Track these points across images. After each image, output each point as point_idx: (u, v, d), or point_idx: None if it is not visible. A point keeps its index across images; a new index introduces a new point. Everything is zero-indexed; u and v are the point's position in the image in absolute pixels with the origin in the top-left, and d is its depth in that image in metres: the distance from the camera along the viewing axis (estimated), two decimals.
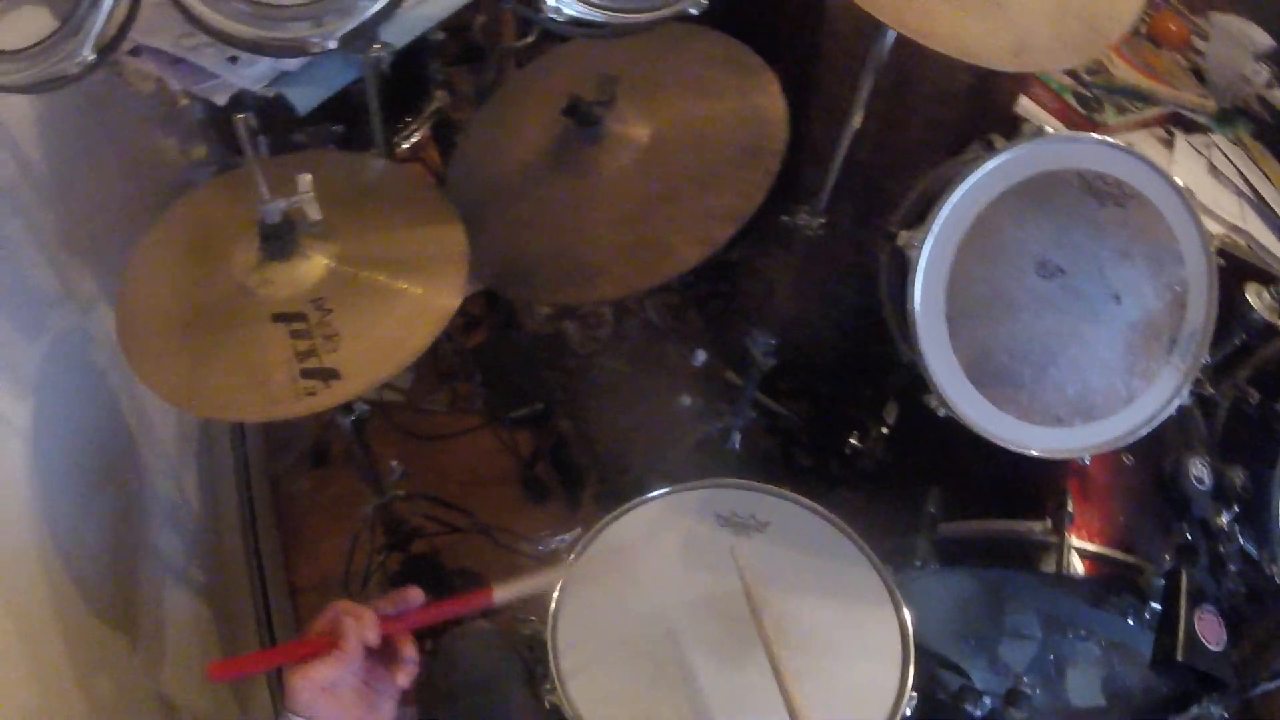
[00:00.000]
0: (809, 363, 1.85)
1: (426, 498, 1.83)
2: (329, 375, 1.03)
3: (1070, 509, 1.28)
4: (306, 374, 1.03)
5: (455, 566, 1.91)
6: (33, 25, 0.98)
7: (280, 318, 1.07)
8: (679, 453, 1.79)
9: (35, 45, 0.97)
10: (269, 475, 2.12)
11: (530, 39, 1.85)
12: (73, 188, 1.52)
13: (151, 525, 1.59)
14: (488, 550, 1.93)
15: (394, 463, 1.71)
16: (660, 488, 1.26)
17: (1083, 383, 1.20)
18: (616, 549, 1.21)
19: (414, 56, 1.59)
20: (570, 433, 2.09)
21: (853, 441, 1.76)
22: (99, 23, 0.96)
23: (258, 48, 1.01)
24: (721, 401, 1.84)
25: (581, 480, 2.04)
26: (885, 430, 1.70)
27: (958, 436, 1.21)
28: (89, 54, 0.97)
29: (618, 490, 1.62)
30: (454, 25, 1.70)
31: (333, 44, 0.99)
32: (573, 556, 1.21)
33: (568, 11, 1.04)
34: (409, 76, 1.62)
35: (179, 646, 1.54)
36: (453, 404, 2.19)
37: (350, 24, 0.99)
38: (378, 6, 0.99)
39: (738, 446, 1.81)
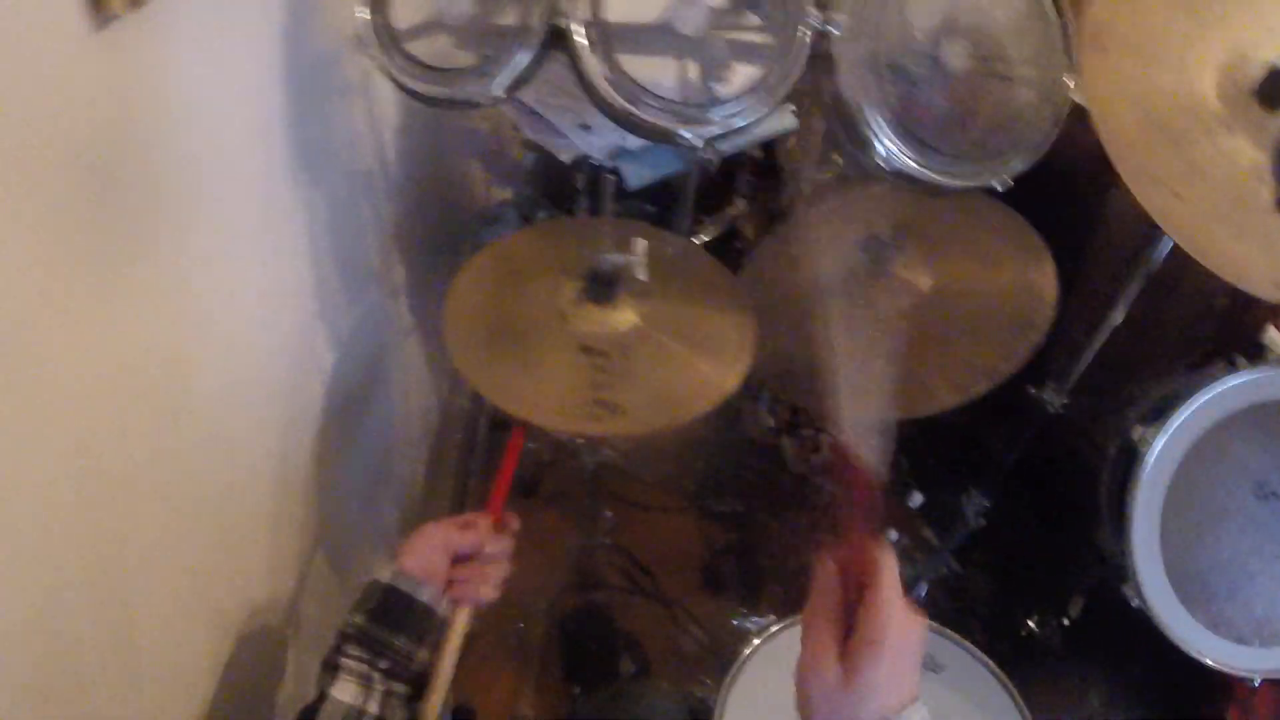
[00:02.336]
0: (1008, 533, 1.89)
1: (624, 553, 1.95)
2: (615, 409, 1.18)
3: None
4: (598, 402, 1.19)
5: (622, 626, 2.03)
6: (444, 53, 1.16)
7: (587, 350, 1.23)
8: None
9: (454, 70, 1.15)
10: (480, 492, 2.30)
11: (828, 173, 2.01)
12: (407, 190, 1.76)
13: (382, 491, 1.78)
14: (659, 622, 2.03)
15: (608, 513, 1.85)
16: None
17: (1270, 606, 1.24)
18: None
19: (728, 164, 1.79)
20: (763, 539, 2.18)
21: (1030, 625, 1.79)
22: (516, 69, 1.14)
23: (632, 125, 1.19)
24: (918, 551, 1.90)
25: (760, 584, 2.13)
26: (1066, 621, 1.72)
27: (1133, 637, 1.26)
28: (500, 92, 1.15)
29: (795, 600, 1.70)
30: (765, 144, 1.89)
31: (699, 142, 1.16)
32: (759, 639, 1.32)
33: (892, 161, 1.19)
34: (719, 180, 1.81)
35: None
36: (664, 481, 2.32)
37: (715, 131, 1.16)
38: (743, 124, 1.16)
39: (923, 596, 1.86)
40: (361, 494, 1.63)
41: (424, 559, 1.01)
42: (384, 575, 0.98)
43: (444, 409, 2.22)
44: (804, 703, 0.74)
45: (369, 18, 1.12)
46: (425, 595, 0.98)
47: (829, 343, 0.90)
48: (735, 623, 1.85)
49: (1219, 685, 1.37)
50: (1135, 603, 1.25)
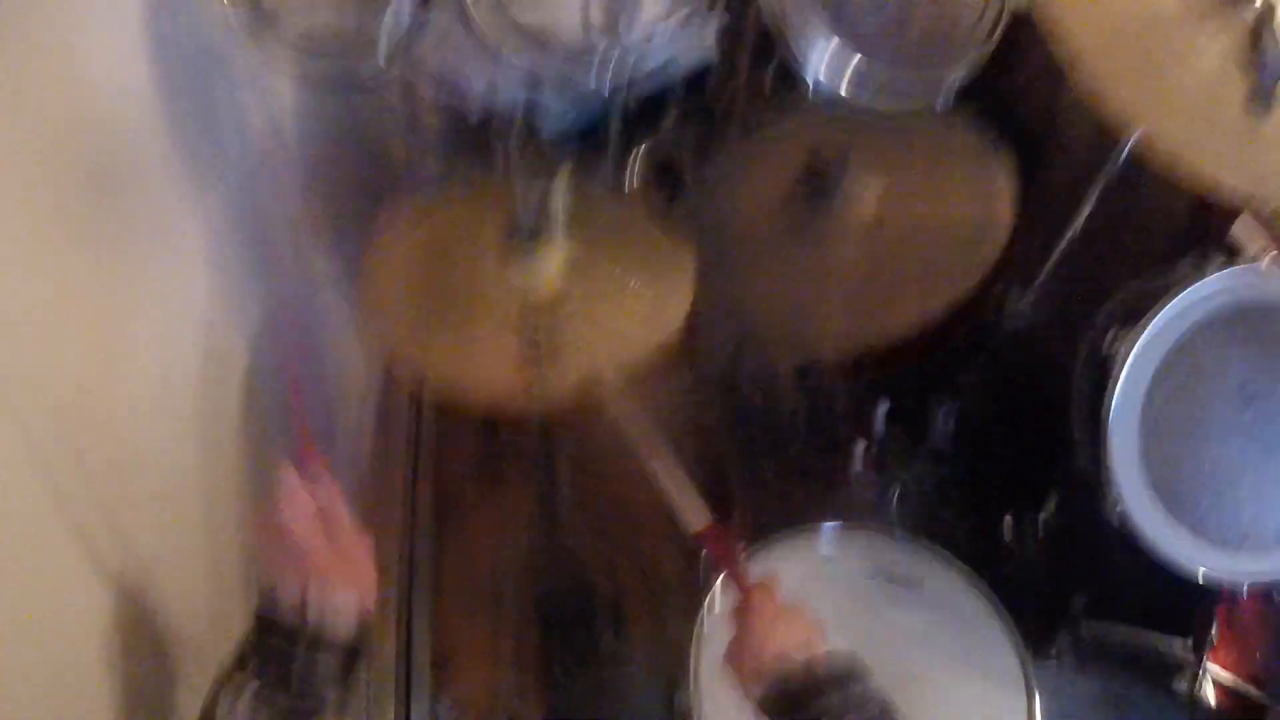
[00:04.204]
0: (981, 442, 1.85)
1: (591, 518, 1.88)
2: (550, 356, 1.12)
3: (1214, 635, 1.30)
4: (531, 359, 1.12)
5: (603, 598, 1.95)
6: (318, 22, 1.08)
7: (515, 307, 1.17)
8: (841, 502, 1.84)
9: (336, 40, 1.07)
10: (434, 473, 2.22)
11: (760, 101, 1.93)
12: (316, 174, 1.67)
13: None
14: (636, 588, 1.96)
15: (566, 478, 1.78)
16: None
17: (1257, 512, 1.20)
18: (774, 570, 1.26)
19: (652, 101, 1.69)
20: (732, 468, 2.12)
21: (1007, 523, 1.76)
22: (396, 34, 1.06)
23: (534, 76, 1.10)
24: (891, 463, 1.88)
25: (731, 510, 2.07)
26: (1041, 526, 1.69)
27: (1114, 543, 1.23)
28: (381, 61, 1.07)
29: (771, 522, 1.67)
30: (691, 77, 1.80)
31: (605, 86, 1.07)
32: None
33: (828, 81, 1.10)
34: (643, 121, 1.71)
35: None
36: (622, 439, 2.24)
37: (625, 74, 1.07)
38: (653, 64, 1.07)
39: (896, 505, 1.85)
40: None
41: (335, 585, 0.85)
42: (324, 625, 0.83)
43: (381, 400, 2.13)
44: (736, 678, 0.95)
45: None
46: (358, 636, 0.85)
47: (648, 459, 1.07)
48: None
49: (1205, 589, 1.34)
50: (1117, 519, 1.21)
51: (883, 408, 1.89)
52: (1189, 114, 1.08)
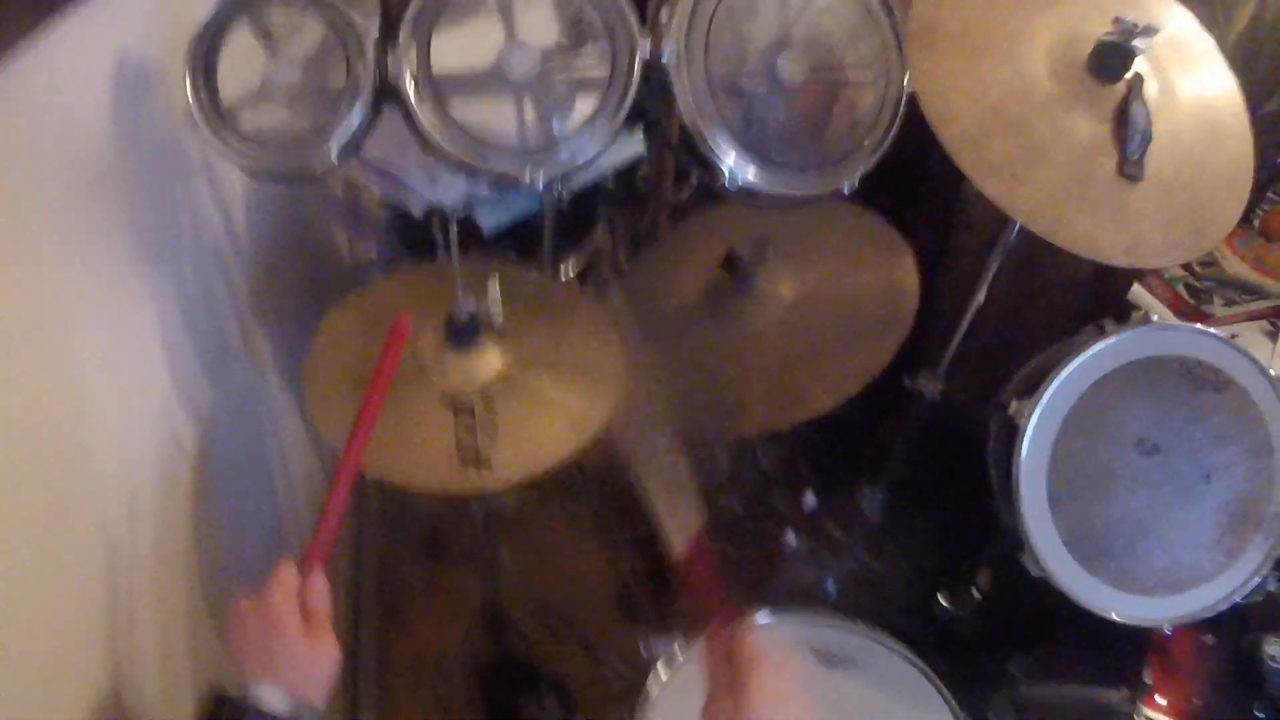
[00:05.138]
0: (910, 520, 1.92)
1: (535, 597, 1.92)
2: (483, 463, 1.16)
3: (1148, 680, 1.34)
4: (464, 459, 1.16)
5: (546, 674, 1.98)
6: (273, 120, 1.12)
7: (450, 403, 1.21)
8: (777, 589, 1.86)
9: (288, 139, 1.12)
10: (380, 554, 2.24)
11: (686, 195, 2.03)
12: (262, 259, 1.70)
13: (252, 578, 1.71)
14: (582, 664, 2.00)
15: (504, 555, 1.82)
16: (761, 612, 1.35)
17: (1171, 556, 1.28)
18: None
19: (585, 194, 1.78)
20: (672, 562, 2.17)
21: (942, 602, 1.82)
22: (349, 131, 1.11)
23: (474, 174, 1.17)
24: (823, 550, 1.92)
25: (675, 609, 2.11)
26: (977, 595, 1.75)
27: (1046, 605, 1.29)
28: (334, 155, 1.11)
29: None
30: (620, 173, 1.89)
31: (541, 182, 1.14)
32: (664, 672, 1.30)
33: (738, 180, 1.19)
34: (578, 214, 1.80)
35: None
36: (561, 517, 2.29)
37: (560, 169, 1.15)
38: (587, 159, 1.15)
39: (832, 592, 1.87)
40: (255, 577, 1.57)
41: (307, 668, 0.86)
42: (275, 704, 0.84)
43: (329, 479, 2.15)
44: None
45: (194, 95, 1.07)
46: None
47: (636, 469, 0.99)
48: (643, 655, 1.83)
49: (1136, 636, 1.40)
50: (1035, 572, 1.28)
51: (809, 501, 1.97)
52: (1066, 190, 1.18)
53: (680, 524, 0.94)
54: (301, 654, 0.87)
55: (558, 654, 2.00)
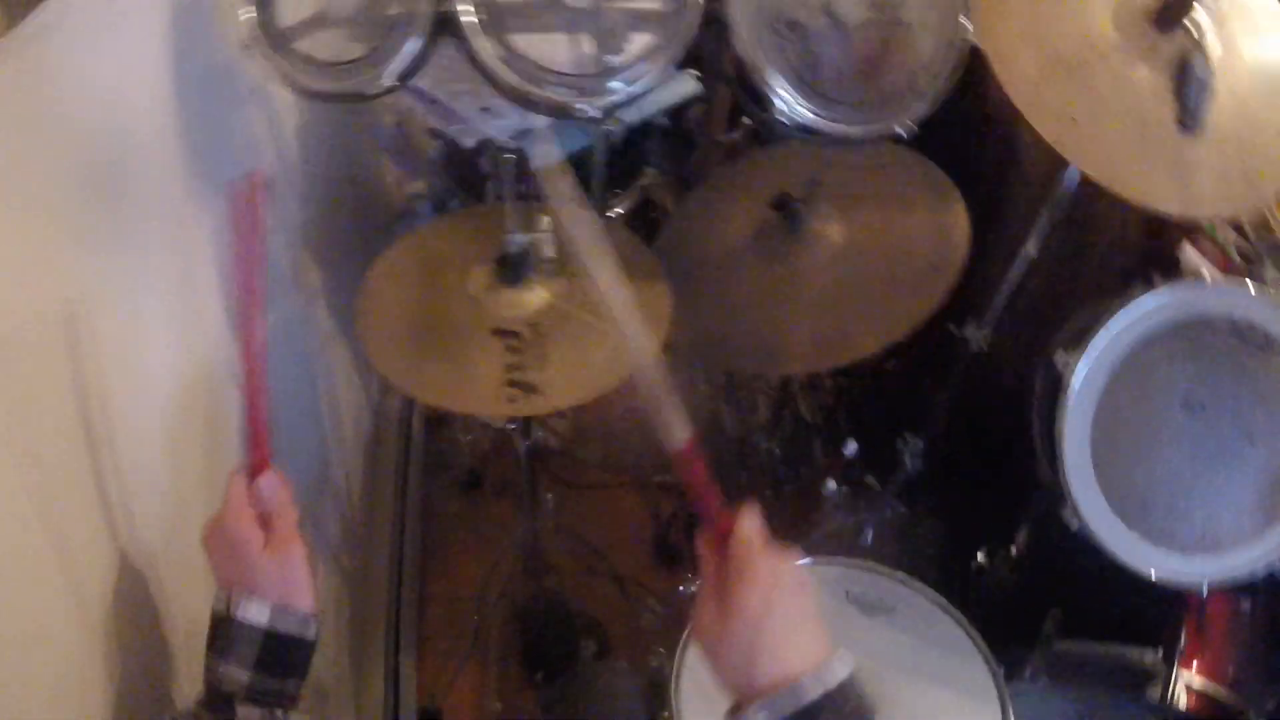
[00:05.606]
0: (950, 474, 1.91)
1: (572, 534, 1.94)
2: (530, 389, 1.18)
3: (1183, 643, 1.34)
4: (512, 384, 1.18)
5: (578, 609, 2.02)
6: (334, 46, 1.12)
7: (499, 333, 1.23)
8: (815, 537, 1.88)
9: (344, 63, 1.11)
10: (423, 491, 2.28)
11: (736, 135, 2.01)
12: (314, 191, 1.73)
13: (322, 502, 1.74)
14: (614, 600, 2.04)
15: (549, 495, 1.85)
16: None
17: (1209, 516, 1.26)
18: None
19: (635, 134, 1.77)
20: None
21: (980, 559, 1.82)
22: (406, 57, 1.11)
23: (529, 104, 1.17)
24: (861, 499, 1.93)
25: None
26: (1014, 552, 1.75)
27: (1083, 563, 1.28)
28: (389, 81, 1.11)
29: None
30: (672, 112, 1.88)
31: (595, 112, 1.14)
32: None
33: (794, 116, 1.18)
34: (628, 152, 1.80)
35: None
36: (605, 459, 2.31)
37: (613, 99, 1.14)
38: (640, 91, 1.14)
39: (869, 542, 1.88)
40: (301, 506, 1.60)
41: (277, 575, 0.87)
42: (252, 614, 0.86)
43: (376, 412, 2.19)
44: (709, 664, 0.78)
45: (254, 17, 1.08)
46: (311, 631, 0.89)
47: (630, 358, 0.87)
48: (681, 589, 1.85)
49: (1172, 599, 1.40)
50: (1075, 525, 1.27)
51: (850, 448, 1.96)
52: (1124, 138, 1.16)
53: (675, 420, 0.84)
54: (267, 564, 0.87)
55: (594, 593, 2.04)
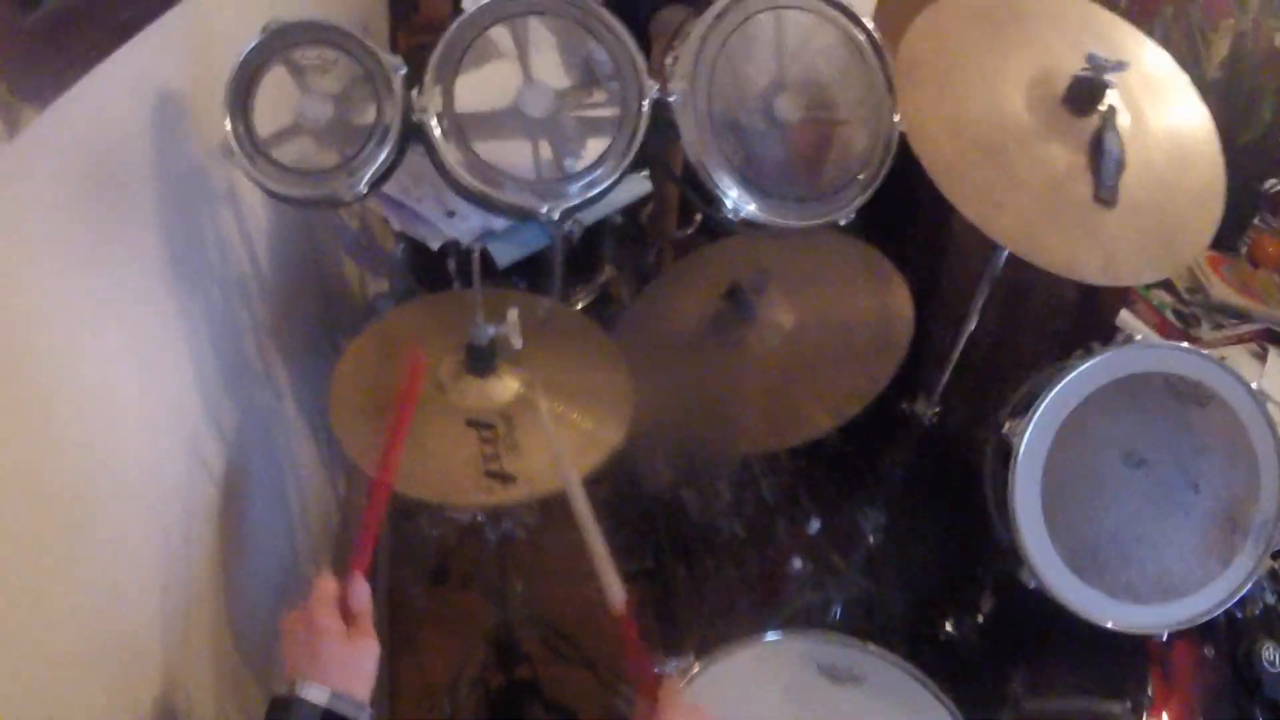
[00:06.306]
0: (912, 545, 1.97)
1: (543, 623, 1.96)
2: (508, 478, 1.22)
3: (1150, 692, 1.38)
4: (490, 474, 1.23)
5: (553, 699, 2.02)
6: (308, 155, 1.18)
7: (473, 423, 1.27)
8: (783, 616, 1.91)
9: (319, 171, 1.18)
10: (390, 583, 2.29)
11: (690, 230, 2.10)
12: (283, 291, 1.77)
13: (291, 595, 1.73)
14: (588, 687, 2.03)
15: (518, 584, 1.86)
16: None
17: (1162, 564, 1.33)
18: (724, 679, 1.34)
19: (592, 232, 1.85)
20: (679, 589, 2.22)
21: (948, 629, 1.87)
22: (377, 165, 1.18)
23: (492, 207, 1.24)
24: (826, 574, 1.97)
25: (680, 633, 2.15)
26: (980, 619, 1.80)
27: (1047, 623, 1.34)
28: (363, 189, 1.18)
29: (717, 635, 1.75)
30: (626, 211, 1.97)
31: (555, 215, 1.21)
32: (684, 681, 1.35)
33: (741, 212, 1.26)
34: (586, 249, 1.87)
35: None
36: (573, 547, 2.32)
37: (572, 203, 1.22)
38: (597, 194, 1.22)
39: (838, 617, 1.92)
40: (272, 594, 1.62)
41: (349, 666, 0.95)
42: (313, 694, 0.92)
43: (342, 506, 2.21)
44: None
45: (233, 128, 1.15)
46: (364, 717, 0.95)
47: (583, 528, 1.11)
48: (656, 670, 1.86)
49: (1136, 651, 1.44)
50: (1033, 584, 1.33)
51: (814, 526, 2.02)
52: (1044, 214, 1.26)
53: (614, 584, 1.07)
54: (345, 653, 0.96)
55: (567, 680, 2.04)
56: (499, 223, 1.64)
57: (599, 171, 1.21)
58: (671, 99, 1.20)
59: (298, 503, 1.83)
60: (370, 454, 1.25)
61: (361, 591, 1.00)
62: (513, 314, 1.27)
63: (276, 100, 1.15)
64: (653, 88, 1.19)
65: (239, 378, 1.51)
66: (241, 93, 1.14)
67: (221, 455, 1.40)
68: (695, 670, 1.37)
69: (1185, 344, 1.38)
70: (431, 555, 2.32)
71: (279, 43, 1.14)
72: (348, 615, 0.98)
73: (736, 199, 1.23)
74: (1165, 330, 1.79)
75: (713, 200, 1.25)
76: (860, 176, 1.29)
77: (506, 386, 1.32)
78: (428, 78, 1.14)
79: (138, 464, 1.12)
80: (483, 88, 1.18)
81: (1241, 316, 1.82)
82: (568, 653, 2.02)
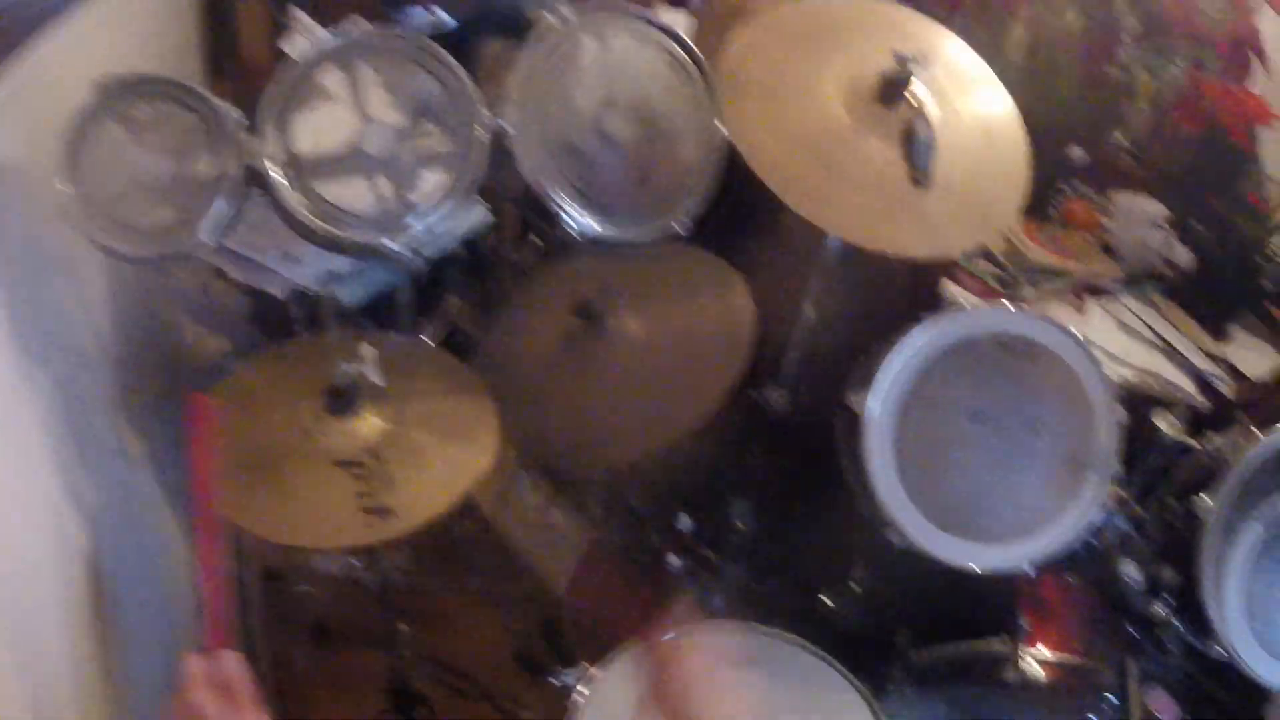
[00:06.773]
0: (782, 528, 2.04)
1: (434, 662, 1.95)
2: (387, 512, 1.23)
3: (1024, 624, 1.49)
4: (368, 510, 1.23)
5: None
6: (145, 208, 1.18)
7: (343, 464, 1.28)
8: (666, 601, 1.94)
9: (160, 228, 1.18)
10: (271, 649, 2.22)
11: (525, 256, 2.13)
12: (126, 361, 1.72)
13: (169, 668, 1.70)
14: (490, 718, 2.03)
15: (402, 626, 1.85)
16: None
17: (1016, 506, 1.43)
18: (623, 683, 1.36)
19: (435, 266, 1.86)
20: (560, 606, 2.23)
21: (826, 601, 1.94)
22: (220, 216, 1.18)
23: (338, 247, 1.25)
24: (703, 568, 2.02)
25: (572, 648, 2.17)
26: (855, 586, 1.88)
27: (920, 580, 1.42)
28: (210, 240, 1.18)
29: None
30: (467, 241, 1.98)
31: (400, 249, 1.23)
32: (584, 687, 1.38)
33: (581, 229, 1.31)
34: (431, 284, 1.88)
35: None
36: (449, 583, 2.32)
37: (414, 234, 1.24)
38: (442, 226, 1.24)
39: (722, 606, 1.97)
40: (153, 675, 1.57)
41: None
42: None
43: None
44: None
45: (69, 189, 1.12)
46: None
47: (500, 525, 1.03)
48: (554, 683, 1.88)
49: (1007, 589, 1.54)
50: (899, 541, 1.41)
51: (683, 522, 2.06)
52: (868, 201, 1.36)
53: (558, 564, 1.02)
54: None
55: (469, 715, 2.03)
56: (344, 264, 1.63)
57: (441, 201, 1.23)
58: (504, 125, 1.23)
59: (166, 574, 1.77)
60: (245, 512, 1.24)
61: (230, 665, 0.95)
62: (370, 351, 1.28)
63: (113, 158, 1.13)
64: (487, 115, 1.23)
65: (97, 455, 1.47)
66: (74, 152, 1.11)
67: (87, 532, 1.36)
68: (595, 676, 1.40)
69: (1007, 303, 1.49)
70: (307, 614, 2.26)
71: (109, 99, 1.12)
72: (227, 693, 0.93)
73: (580, 219, 1.28)
74: (989, 296, 1.91)
75: (554, 220, 1.30)
76: (692, 186, 1.35)
77: (370, 424, 1.33)
78: (263, 124, 1.15)
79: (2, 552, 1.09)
80: (318, 130, 1.19)
81: (1058, 274, 1.96)
82: (464, 688, 2.01)
